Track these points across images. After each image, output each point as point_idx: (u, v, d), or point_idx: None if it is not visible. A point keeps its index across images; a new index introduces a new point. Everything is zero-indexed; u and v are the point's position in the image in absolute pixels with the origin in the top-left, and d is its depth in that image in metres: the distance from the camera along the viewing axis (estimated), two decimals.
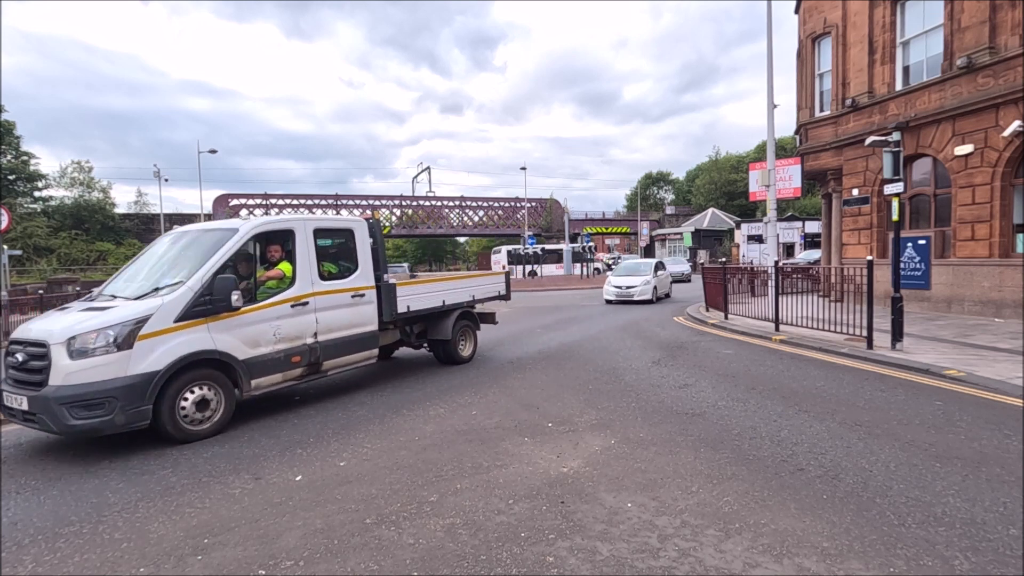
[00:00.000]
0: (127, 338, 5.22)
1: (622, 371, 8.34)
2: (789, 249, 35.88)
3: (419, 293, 8.40)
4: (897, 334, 8.79)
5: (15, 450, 5.69)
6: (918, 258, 10.40)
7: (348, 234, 7.54)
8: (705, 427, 5.54)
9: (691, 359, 9.16)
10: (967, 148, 12.05)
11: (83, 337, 5.14)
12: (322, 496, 4.17)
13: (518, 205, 56.72)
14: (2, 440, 5.96)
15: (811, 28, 16.64)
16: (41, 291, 14.02)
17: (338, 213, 52.16)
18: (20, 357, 5.38)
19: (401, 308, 7.91)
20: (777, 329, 11.23)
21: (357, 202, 53.55)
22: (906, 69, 14.02)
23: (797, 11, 17.71)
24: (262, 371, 6.19)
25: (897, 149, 9.30)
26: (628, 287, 19.35)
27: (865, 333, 8.91)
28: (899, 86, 14.02)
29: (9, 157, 41.04)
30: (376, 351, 7.75)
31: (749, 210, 51.56)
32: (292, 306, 6.51)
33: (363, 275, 7.51)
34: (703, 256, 45.65)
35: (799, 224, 37.73)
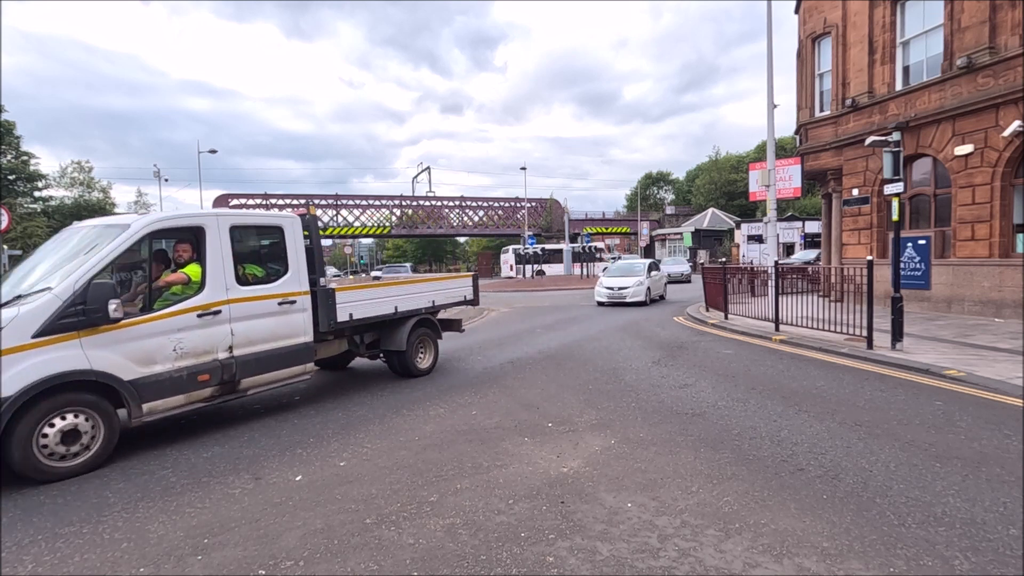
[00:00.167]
0: None
1: (622, 371, 8.34)
2: (789, 249, 35.87)
3: (365, 299, 7.49)
4: (897, 334, 8.79)
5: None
6: (918, 258, 10.40)
7: (276, 232, 6.65)
8: (705, 427, 5.54)
9: (691, 359, 9.16)
10: (967, 148, 12.05)
11: None
12: (322, 496, 4.17)
13: (518, 205, 56.71)
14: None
15: (811, 28, 16.64)
16: None
17: (338, 213, 52.17)
18: None
19: (342, 316, 7.02)
20: (777, 329, 11.23)
21: (357, 202, 53.51)
22: (906, 69, 14.02)
23: (797, 11, 17.71)
24: (157, 392, 5.28)
25: (897, 149, 9.30)
26: (620, 288, 18.74)
27: (865, 333, 8.91)
28: (899, 86, 14.03)
29: (9, 157, 41.05)
30: (311, 365, 6.85)
31: (749, 210, 51.54)
32: (199, 316, 5.61)
33: (294, 279, 6.61)
34: (703, 256, 45.66)
35: (799, 224, 37.72)
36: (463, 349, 10.90)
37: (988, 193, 11.76)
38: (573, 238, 49.55)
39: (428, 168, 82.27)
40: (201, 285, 5.71)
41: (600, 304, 19.18)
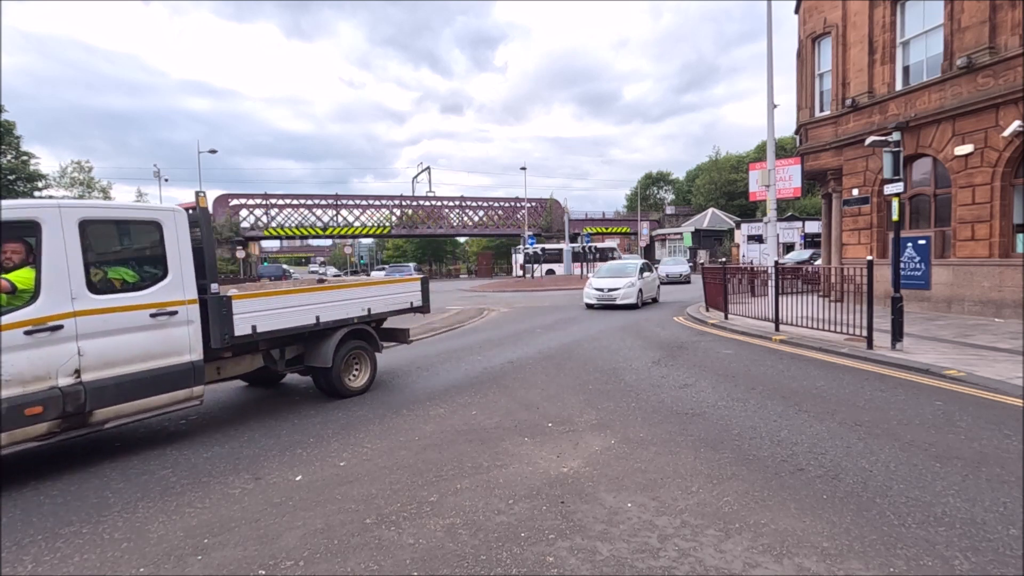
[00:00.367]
0: None
1: (622, 371, 8.34)
2: (789, 249, 35.88)
3: (275, 308, 6.33)
4: (897, 334, 8.79)
5: (15, 450, 5.68)
6: (918, 258, 10.39)
7: (152, 228, 5.49)
8: (705, 427, 5.54)
9: (691, 359, 9.16)
10: (967, 148, 12.05)
11: None
12: (322, 496, 4.17)
13: (518, 205, 56.67)
14: (1, 441, 5.95)
15: (811, 28, 16.63)
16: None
17: (338, 213, 52.11)
18: None
19: (242, 329, 5.92)
20: (777, 329, 11.23)
21: (357, 202, 53.46)
22: (906, 69, 14.02)
23: (797, 11, 17.71)
24: None
25: (897, 149, 9.30)
26: (610, 290, 17.88)
27: (865, 333, 8.91)
28: (899, 86, 14.03)
29: (9, 157, 41.05)
30: (199, 389, 5.65)
31: (749, 210, 51.54)
32: (28, 332, 4.52)
33: (175, 285, 5.46)
34: (703, 256, 45.67)
35: (799, 224, 37.73)
36: (463, 349, 10.90)
37: (988, 193, 11.76)
38: (573, 238, 49.57)
39: (428, 168, 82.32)
40: (34, 294, 4.62)
41: (589, 306, 18.37)
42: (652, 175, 79.93)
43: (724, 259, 39.71)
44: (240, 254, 44.65)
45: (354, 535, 3.55)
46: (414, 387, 7.78)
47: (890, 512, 3.62)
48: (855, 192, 14.83)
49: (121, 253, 5.49)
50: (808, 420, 5.65)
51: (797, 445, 4.92)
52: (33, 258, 4.77)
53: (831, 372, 7.85)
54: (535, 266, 45.01)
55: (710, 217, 53.90)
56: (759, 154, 52.56)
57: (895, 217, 9.28)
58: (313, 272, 78.02)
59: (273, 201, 50.96)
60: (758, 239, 33.88)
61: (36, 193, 44.63)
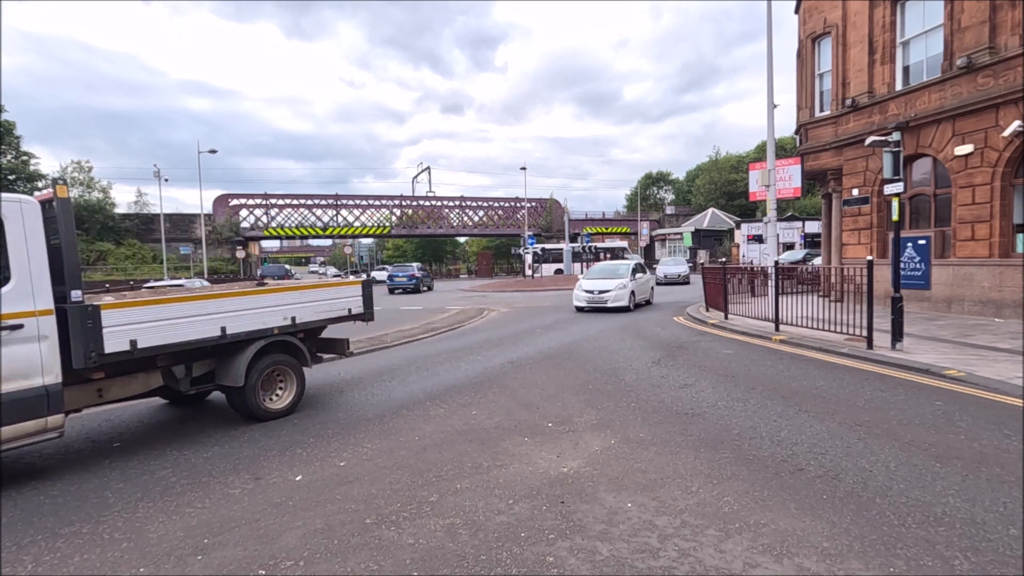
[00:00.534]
0: None
1: (622, 371, 8.34)
2: (788, 249, 35.87)
3: (161, 319, 5.27)
4: (897, 334, 8.79)
5: (15, 451, 5.68)
6: (918, 258, 10.39)
7: None
8: (705, 427, 5.54)
9: (691, 359, 9.16)
10: (967, 148, 12.05)
11: None
12: (322, 496, 4.17)
13: (518, 205, 56.68)
14: (2, 441, 5.95)
15: (811, 28, 16.64)
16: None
17: (338, 213, 52.11)
18: None
19: (116, 345, 4.92)
20: (777, 329, 11.23)
21: (357, 202, 53.48)
22: (906, 69, 14.02)
23: (797, 11, 17.71)
24: None
25: (897, 149, 9.30)
26: (601, 292, 17.15)
27: (865, 333, 8.91)
28: (899, 86, 14.03)
29: (9, 157, 41.05)
30: (56, 420, 4.67)
31: (749, 210, 51.54)
32: None
33: (20, 292, 4.47)
34: (703, 256, 45.69)
35: (799, 224, 37.72)
36: (463, 349, 10.90)
37: (988, 193, 11.76)
38: (573, 238, 49.64)
39: (428, 168, 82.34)
40: None
41: (579, 309, 17.54)
42: (652, 175, 79.93)
43: (724, 259, 39.71)
44: (240, 254, 44.68)
45: (354, 535, 3.55)
46: (414, 387, 7.78)
47: (890, 512, 3.62)
48: (855, 192, 14.83)
49: None
50: (808, 420, 5.65)
51: (797, 445, 4.92)
52: None
53: (831, 372, 7.85)
54: (543, 265, 46.10)
55: (710, 217, 53.91)
56: (759, 154, 52.56)
57: (895, 217, 9.28)
58: (313, 272, 77.97)
59: (273, 201, 50.97)
60: (758, 239, 33.85)
61: (35, 193, 44.62)
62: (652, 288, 20.26)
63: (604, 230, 60.96)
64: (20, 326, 4.45)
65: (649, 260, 51.67)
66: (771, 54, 13.29)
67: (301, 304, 6.66)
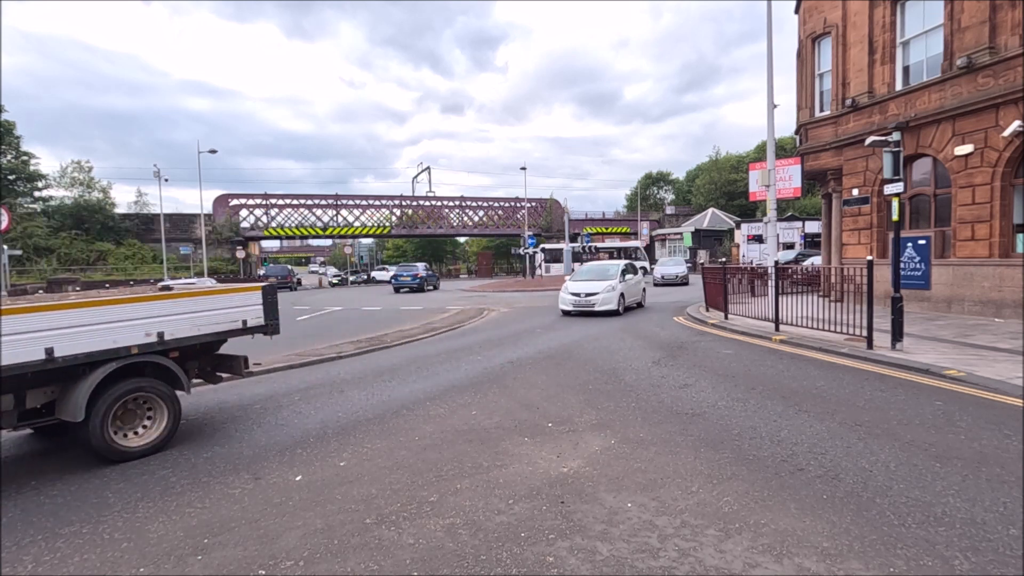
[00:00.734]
0: None
1: (622, 371, 8.34)
2: (788, 248, 35.87)
3: None
4: (897, 334, 8.79)
5: (15, 451, 5.69)
6: (918, 258, 10.39)
7: None
8: (705, 427, 5.53)
9: (691, 359, 9.16)
10: (967, 148, 12.05)
11: None
12: (322, 496, 4.17)
13: (518, 205, 56.67)
14: (2, 441, 5.96)
15: (811, 28, 16.64)
16: (41, 291, 14.04)
17: (338, 213, 52.10)
18: None
19: None
20: (777, 329, 11.23)
21: (357, 202, 53.45)
22: (906, 69, 14.02)
23: (797, 11, 17.71)
24: None
25: (897, 149, 9.30)
26: (588, 294, 16.05)
27: (865, 333, 8.91)
28: (899, 86, 14.03)
29: (9, 157, 41.04)
30: None
31: (749, 210, 51.54)
32: None
33: None
34: (703, 256, 45.69)
35: (799, 224, 37.73)
36: (463, 349, 10.90)
37: (988, 193, 11.76)
38: (573, 238, 49.66)
39: (428, 168, 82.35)
40: None
41: (566, 313, 16.44)
42: (652, 175, 79.91)
43: (724, 259, 39.71)
44: (240, 254, 44.67)
45: (354, 535, 3.55)
46: (414, 387, 7.78)
47: (890, 512, 3.62)
48: (855, 192, 14.84)
49: None
50: (808, 420, 5.65)
51: (797, 445, 4.92)
52: None
53: (831, 372, 7.85)
54: (551, 265, 46.68)
55: (710, 217, 53.90)
56: (759, 154, 52.56)
57: (895, 217, 9.27)
58: (313, 272, 77.89)
59: (273, 201, 50.95)
60: (758, 239, 33.87)
61: (36, 193, 44.69)
62: (644, 290, 19.21)
63: (604, 230, 60.95)
64: None
65: (649, 260, 51.70)
66: (771, 54, 13.29)
67: (172, 316, 5.45)
